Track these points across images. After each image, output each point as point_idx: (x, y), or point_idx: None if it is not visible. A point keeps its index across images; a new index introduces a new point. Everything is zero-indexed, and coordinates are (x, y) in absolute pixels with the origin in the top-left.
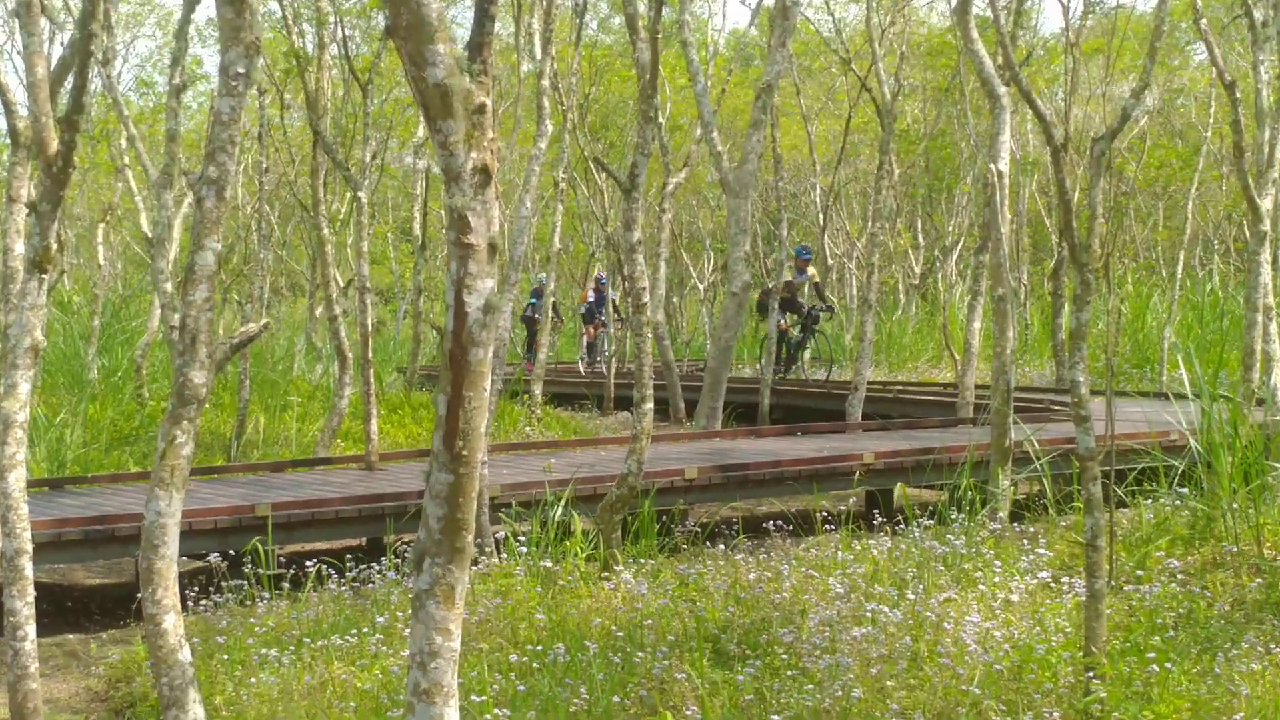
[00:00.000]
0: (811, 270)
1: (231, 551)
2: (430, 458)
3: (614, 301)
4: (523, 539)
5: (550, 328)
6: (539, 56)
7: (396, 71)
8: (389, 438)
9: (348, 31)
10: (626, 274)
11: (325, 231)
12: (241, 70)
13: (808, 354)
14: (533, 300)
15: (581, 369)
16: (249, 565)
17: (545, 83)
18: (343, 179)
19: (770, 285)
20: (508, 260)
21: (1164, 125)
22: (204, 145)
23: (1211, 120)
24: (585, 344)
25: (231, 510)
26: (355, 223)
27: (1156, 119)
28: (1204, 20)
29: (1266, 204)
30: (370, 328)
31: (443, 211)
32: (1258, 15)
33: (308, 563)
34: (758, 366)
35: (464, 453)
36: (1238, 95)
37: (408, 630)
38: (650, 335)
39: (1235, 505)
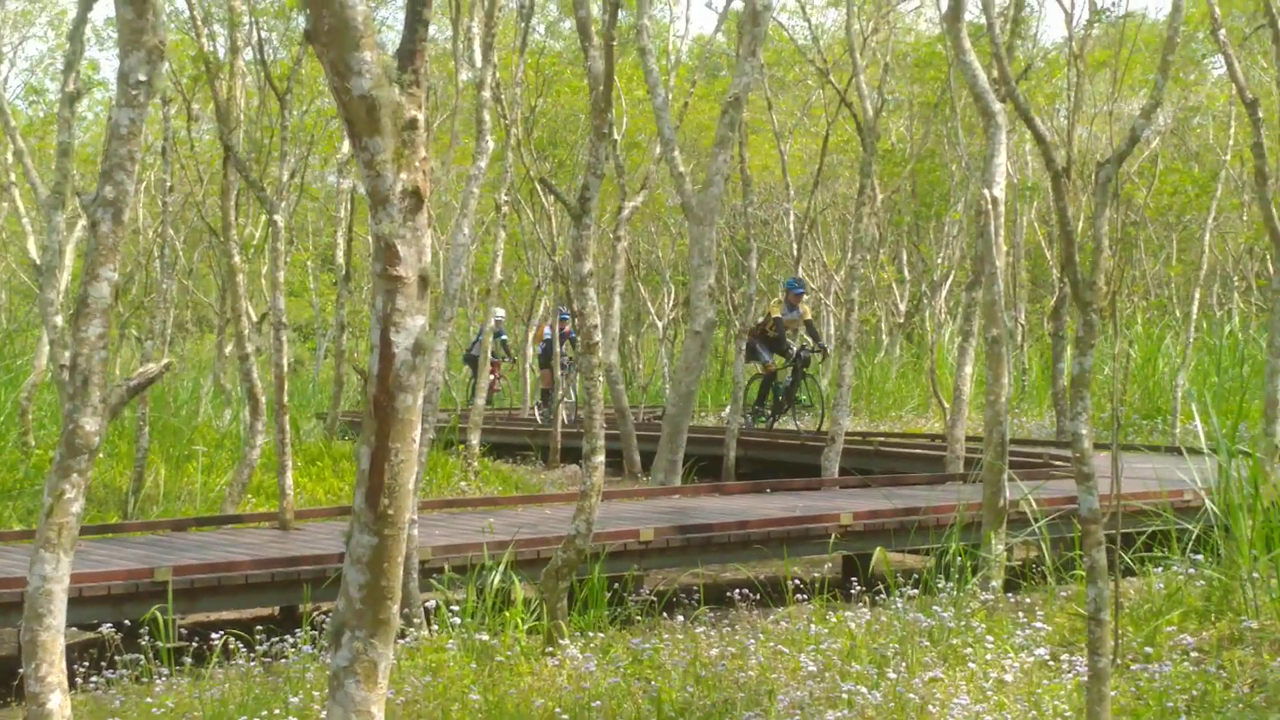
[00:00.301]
0: (804, 307)
1: (127, 621)
2: (352, 517)
3: (570, 338)
4: (456, 608)
5: (490, 367)
6: (479, 64)
7: (319, 80)
8: (306, 493)
9: (264, 34)
10: (576, 309)
11: (237, 259)
12: (143, 78)
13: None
14: (479, 338)
15: (538, 416)
16: (146, 637)
17: (486, 94)
18: (257, 200)
19: (753, 323)
20: (442, 294)
21: (1178, 147)
22: (100, 161)
23: (1231, 142)
24: (541, 390)
25: (127, 574)
26: (270, 249)
27: (1169, 140)
28: (1223, 31)
29: None
30: (286, 368)
31: (369, 239)
32: None
33: (213, 634)
34: (723, 415)
35: (389, 512)
36: (1260, 114)
37: (325, 712)
38: (602, 379)
39: (1256, 574)
